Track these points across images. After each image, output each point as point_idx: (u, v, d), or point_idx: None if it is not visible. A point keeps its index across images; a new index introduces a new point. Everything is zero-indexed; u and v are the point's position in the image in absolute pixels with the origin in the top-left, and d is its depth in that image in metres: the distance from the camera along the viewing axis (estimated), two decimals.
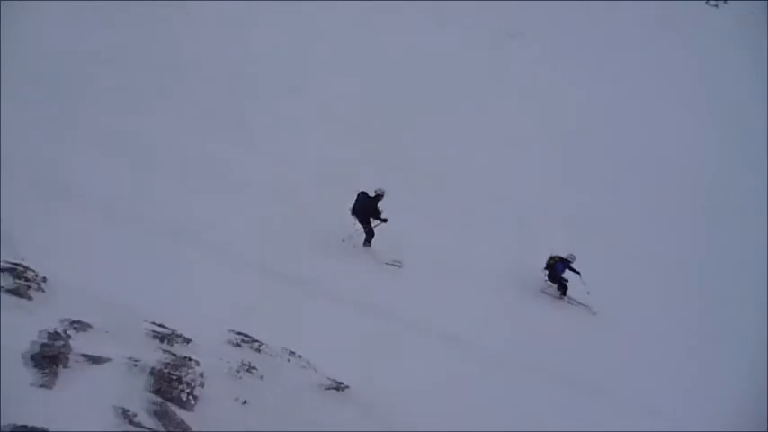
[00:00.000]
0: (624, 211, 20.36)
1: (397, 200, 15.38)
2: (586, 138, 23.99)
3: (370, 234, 15.38)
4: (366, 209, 15.12)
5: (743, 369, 13.81)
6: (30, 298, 8.27)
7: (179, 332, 8.80)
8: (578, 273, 15.29)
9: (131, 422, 6.41)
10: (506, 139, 22.73)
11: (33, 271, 8.78)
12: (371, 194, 15.12)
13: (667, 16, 32.45)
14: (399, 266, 15.17)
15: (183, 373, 7.51)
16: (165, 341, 8.46)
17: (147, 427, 6.48)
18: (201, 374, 7.72)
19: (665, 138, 25.06)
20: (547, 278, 15.73)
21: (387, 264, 15.17)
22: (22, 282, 8.43)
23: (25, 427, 5.66)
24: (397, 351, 11.66)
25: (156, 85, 20.23)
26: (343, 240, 15.29)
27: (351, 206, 15.08)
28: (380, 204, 15.14)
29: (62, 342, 7.25)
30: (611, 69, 28.70)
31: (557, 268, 15.50)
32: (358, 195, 15.11)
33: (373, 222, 15.34)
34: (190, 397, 7.37)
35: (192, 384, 7.48)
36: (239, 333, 9.70)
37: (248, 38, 24.36)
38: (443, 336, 12.77)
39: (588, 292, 15.25)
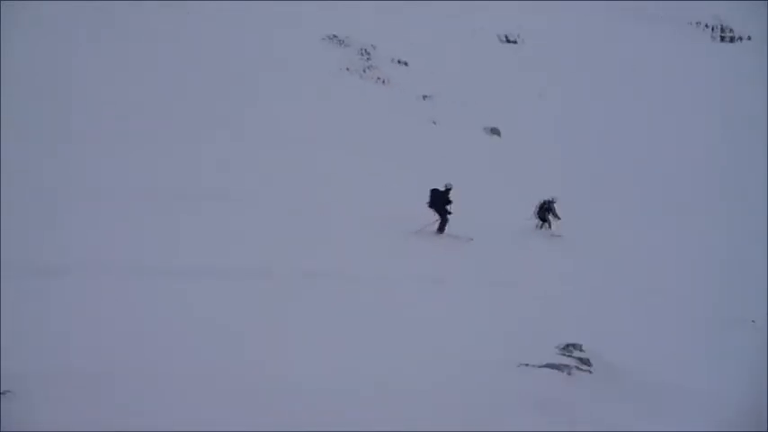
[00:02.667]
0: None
1: None
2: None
3: (444, 222, 17.17)
4: (440, 200, 16.98)
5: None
6: None
7: None
8: (559, 218, 19.19)
9: None
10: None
11: None
12: (442, 188, 17.04)
13: None
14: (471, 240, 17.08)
15: None
16: None
17: None
18: None
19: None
20: (537, 218, 19.55)
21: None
22: None
23: None
24: None
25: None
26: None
27: (427, 201, 16.98)
28: (451, 195, 17.03)
29: None
30: None
31: (549, 209, 19.41)
32: (431, 191, 16.98)
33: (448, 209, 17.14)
34: None
35: None
36: None
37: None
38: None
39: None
